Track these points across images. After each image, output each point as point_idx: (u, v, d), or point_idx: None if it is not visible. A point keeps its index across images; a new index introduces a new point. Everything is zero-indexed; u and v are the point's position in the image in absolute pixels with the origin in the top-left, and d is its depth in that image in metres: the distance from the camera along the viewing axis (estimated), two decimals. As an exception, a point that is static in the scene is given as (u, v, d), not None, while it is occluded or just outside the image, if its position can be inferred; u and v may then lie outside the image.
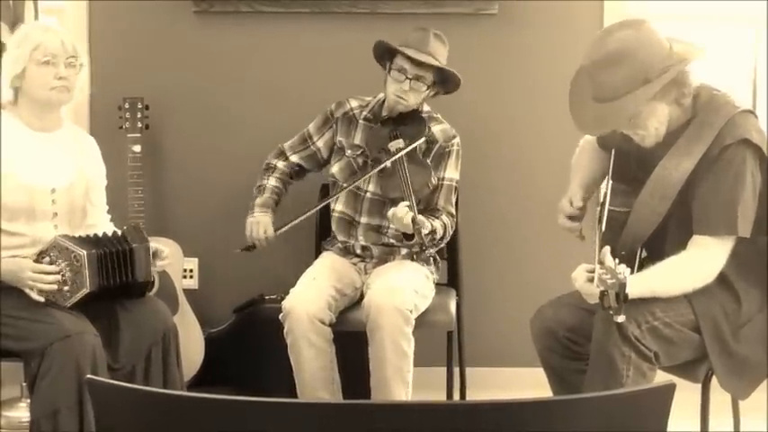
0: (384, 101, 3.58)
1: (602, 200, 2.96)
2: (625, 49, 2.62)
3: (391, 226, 3.46)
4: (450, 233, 3.52)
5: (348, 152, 3.56)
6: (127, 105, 3.95)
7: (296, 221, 3.48)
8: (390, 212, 3.31)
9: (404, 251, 3.54)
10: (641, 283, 2.62)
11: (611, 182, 2.88)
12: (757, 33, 4.10)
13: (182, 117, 4.14)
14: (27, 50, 3.06)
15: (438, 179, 3.50)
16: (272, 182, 3.63)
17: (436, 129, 3.54)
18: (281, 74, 4.10)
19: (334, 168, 3.59)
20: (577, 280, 2.67)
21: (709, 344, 2.74)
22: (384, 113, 3.55)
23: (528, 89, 4.11)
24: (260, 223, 3.51)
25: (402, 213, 3.25)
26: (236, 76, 4.13)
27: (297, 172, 3.69)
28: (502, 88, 4.12)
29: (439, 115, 3.59)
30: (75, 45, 3.13)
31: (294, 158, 3.65)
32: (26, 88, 3.09)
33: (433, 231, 3.32)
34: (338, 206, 3.57)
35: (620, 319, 2.50)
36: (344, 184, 3.53)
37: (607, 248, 2.57)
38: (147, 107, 3.97)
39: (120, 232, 3.12)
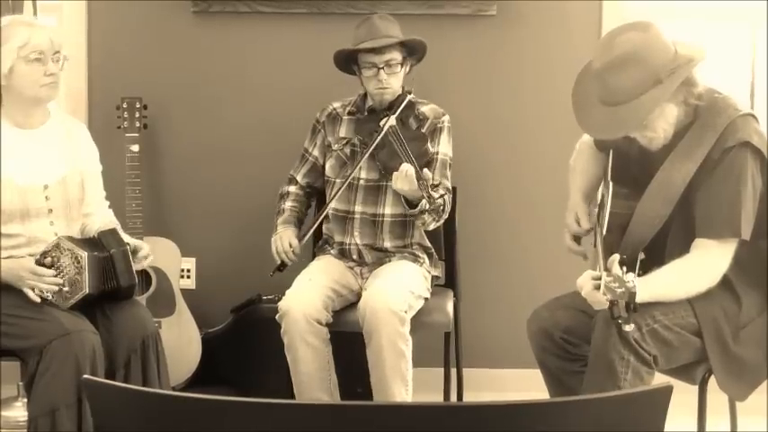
0: (365, 95, 3.59)
1: (600, 202, 2.95)
2: (634, 51, 2.61)
3: (386, 212, 3.49)
4: (449, 207, 3.51)
5: (335, 146, 3.58)
6: (125, 105, 3.95)
7: (315, 225, 3.48)
8: (394, 176, 3.29)
9: (398, 255, 3.54)
10: (645, 289, 2.59)
11: (611, 183, 2.87)
12: (755, 32, 4.10)
13: (180, 117, 4.14)
14: (14, 48, 2.98)
15: (432, 153, 3.51)
16: (287, 204, 3.64)
17: (425, 108, 3.58)
18: (280, 74, 4.10)
19: (327, 167, 3.60)
20: (584, 287, 2.62)
21: (709, 344, 2.74)
22: (369, 106, 3.57)
23: (526, 90, 4.11)
24: (282, 237, 3.52)
25: (406, 167, 3.25)
26: (235, 77, 4.13)
27: (309, 193, 3.70)
28: (500, 89, 4.11)
29: (425, 100, 3.61)
30: (59, 40, 3.07)
31: (301, 179, 3.67)
32: (13, 86, 3.02)
33: (436, 185, 3.32)
34: (332, 203, 3.55)
35: (629, 328, 2.48)
36: (338, 180, 3.53)
37: (615, 257, 2.56)
38: (145, 107, 3.97)
39: (96, 236, 3.07)
